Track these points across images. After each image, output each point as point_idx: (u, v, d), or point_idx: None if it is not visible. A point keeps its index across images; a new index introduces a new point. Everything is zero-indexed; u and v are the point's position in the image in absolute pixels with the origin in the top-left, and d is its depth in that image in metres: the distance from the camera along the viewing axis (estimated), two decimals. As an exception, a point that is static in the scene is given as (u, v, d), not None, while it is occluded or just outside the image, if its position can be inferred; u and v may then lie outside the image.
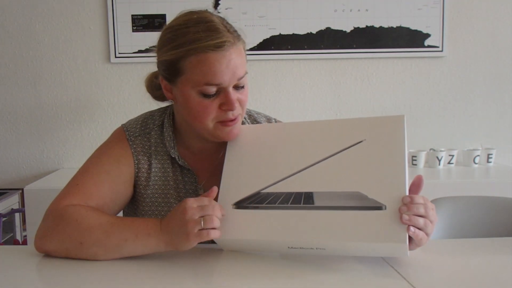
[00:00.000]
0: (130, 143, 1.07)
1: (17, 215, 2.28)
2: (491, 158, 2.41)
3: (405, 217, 0.81)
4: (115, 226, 0.91)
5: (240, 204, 0.93)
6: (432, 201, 1.26)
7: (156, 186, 1.06)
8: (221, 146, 1.07)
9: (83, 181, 1.01)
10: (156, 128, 1.10)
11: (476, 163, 2.38)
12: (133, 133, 1.08)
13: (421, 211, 0.83)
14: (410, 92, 2.51)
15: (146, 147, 1.07)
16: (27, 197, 2.01)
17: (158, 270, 0.86)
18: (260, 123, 1.15)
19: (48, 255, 0.93)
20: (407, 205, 0.83)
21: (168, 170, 1.07)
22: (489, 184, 2.07)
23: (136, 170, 1.06)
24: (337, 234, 0.84)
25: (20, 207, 2.35)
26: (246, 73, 0.99)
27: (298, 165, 0.94)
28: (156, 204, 1.07)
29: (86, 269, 0.87)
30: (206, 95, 0.96)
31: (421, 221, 0.82)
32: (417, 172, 2.26)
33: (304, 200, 0.89)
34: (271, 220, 0.89)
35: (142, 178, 1.06)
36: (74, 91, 2.42)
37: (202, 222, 0.85)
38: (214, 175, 1.06)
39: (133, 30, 2.39)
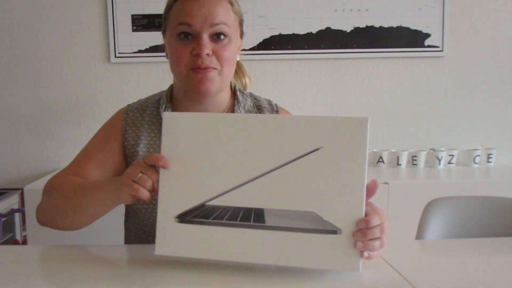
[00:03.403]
0: (125, 115, 1.14)
1: (17, 215, 2.28)
2: (491, 158, 2.41)
3: (359, 244, 0.78)
4: (81, 185, 0.97)
5: (184, 218, 0.85)
6: (432, 201, 1.27)
7: (148, 153, 1.09)
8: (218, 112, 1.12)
9: (76, 159, 1.11)
10: (154, 102, 1.15)
11: (476, 163, 2.38)
12: (132, 107, 1.15)
13: (377, 234, 0.79)
14: (410, 92, 2.51)
15: (139, 118, 1.13)
16: (27, 197, 2.01)
17: (160, 272, 0.86)
18: (261, 104, 1.17)
19: (48, 255, 0.93)
20: (362, 230, 0.79)
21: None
22: (489, 184, 2.07)
23: (123, 140, 1.11)
24: (289, 258, 0.81)
25: (20, 207, 2.35)
26: (225, 25, 1.03)
27: (248, 171, 0.83)
28: None
29: (87, 269, 0.87)
30: (181, 37, 1.02)
31: (376, 244, 0.79)
32: (417, 172, 2.26)
33: (254, 217, 0.83)
34: (218, 238, 0.83)
35: (129, 147, 1.11)
36: (74, 91, 2.42)
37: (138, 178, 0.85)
38: None
39: (133, 30, 2.38)
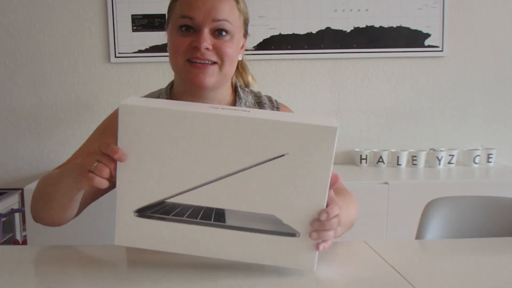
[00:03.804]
0: None
1: (17, 215, 2.28)
2: (491, 158, 2.41)
3: (314, 235, 0.80)
4: (52, 175, 0.98)
5: (143, 213, 0.83)
6: (432, 201, 1.27)
7: None
8: None
9: (71, 157, 1.12)
10: (152, 97, 1.15)
11: (476, 163, 2.38)
12: None
13: (334, 225, 0.80)
14: (410, 92, 2.51)
15: None
16: (27, 197, 2.00)
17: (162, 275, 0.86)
18: (262, 100, 1.17)
19: (46, 256, 0.93)
20: (321, 222, 0.79)
21: None
22: (489, 184, 2.07)
23: None
24: (248, 255, 0.83)
25: (20, 207, 2.35)
26: (227, 21, 1.01)
27: (210, 171, 0.81)
28: None
29: (87, 269, 0.87)
30: (182, 29, 1.02)
31: (330, 234, 0.81)
32: (418, 172, 2.26)
33: (215, 217, 0.83)
34: (178, 233, 0.83)
35: None
36: (74, 91, 2.42)
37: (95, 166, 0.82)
38: None
39: (133, 30, 2.38)
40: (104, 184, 0.82)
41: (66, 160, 1.13)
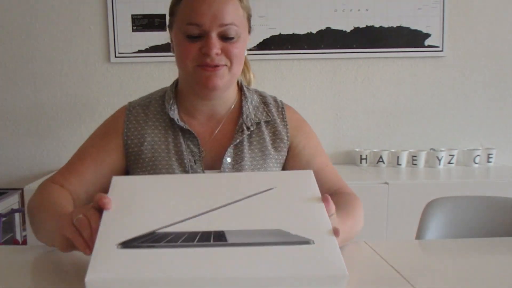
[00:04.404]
0: (127, 112, 1.12)
1: (17, 215, 2.28)
2: (491, 158, 2.41)
3: None
4: (47, 206, 0.95)
5: (128, 244, 0.70)
6: (432, 201, 1.27)
7: (153, 150, 1.08)
8: (222, 110, 1.11)
9: (72, 158, 1.10)
10: (157, 98, 1.14)
11: (476, 163, 2.38)
12: (134, 104, 1.14)
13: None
14: (410, 92, 2.51)
15: (142, 114, 1.11)
16: (27, 197, 2.01)
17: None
18: (267, 100, 1.17)
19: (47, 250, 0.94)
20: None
21: (169, 134, 1.09)
22: (489, 184, 2.07)
23: (125, 139, 1.10)
24: (263, 269, 0.66)
25: (20, 207, 2.35)
26: (234, 25, 1.00)
27: (201, 207, 0.76)
28: (158, 168, 1.07)
29: (86, 269, 0.87)
30: (189, 37, 1.01)
31: None
32: (418, 172, 2.26)
33: (214, 238, 0.71)
34: (172, 257, 0.67)
35: (133, 145, 1.09)
36: (74, 91, 2.42)
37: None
38: (215, 139, 1.10)
39: (133, 30, 2.39)
40: (82, 244, 0.75)
41: (66, 164, 1.11)
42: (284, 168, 1.15)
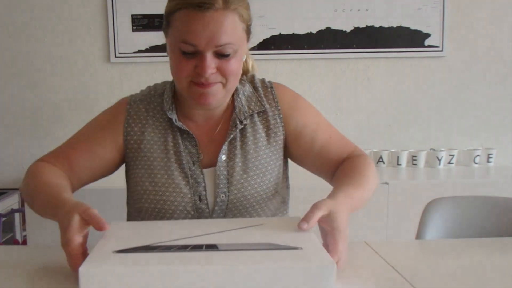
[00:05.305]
0: (128, 107, 1.11)
1: (17, 215, 2.28)
2: (491, 158, 2.41)
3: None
4: (47, 192, 0.95)
5: (124, 250, 0.78)
6: (432, 201, 1.27)
7: (152, 150, 1.08)
8: (219, 112, 1.10)
9: (65, 144, 1.11)
10: (157, 96, 1.13)
11: (476, 163, 2.38)
12: (135, 98, 1.13)
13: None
14: (410, 92, 2.51)
15: (143, 110, 1.11)
16: (27, 197, 2.01)
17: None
18: (256, 84, 1.14)
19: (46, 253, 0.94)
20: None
21: (168, 134, 1.09)
22: (489, 184, 2.07)
23: (125, 134, 1.09)
24: (253, 263, 0.71)
25: (20, 207, 2.35)
26: (231, 44, 0.96)
27: (193, 234, 0.86)
28: (156, 169, 1.07)
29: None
30: (184, 53, 0.97)
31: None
32: (418, 172, 2.26)
33: (206, 248, 0.78)
34: (165, 255, 0.74)
35: (132, 142, 1.09)
36: (74, 91, 2.42)
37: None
38: (213, 142, 1.09)
39: (133, 30, 2.39)
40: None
41: (60, 146, 1.12)
42: (288, 153, 1.14)
